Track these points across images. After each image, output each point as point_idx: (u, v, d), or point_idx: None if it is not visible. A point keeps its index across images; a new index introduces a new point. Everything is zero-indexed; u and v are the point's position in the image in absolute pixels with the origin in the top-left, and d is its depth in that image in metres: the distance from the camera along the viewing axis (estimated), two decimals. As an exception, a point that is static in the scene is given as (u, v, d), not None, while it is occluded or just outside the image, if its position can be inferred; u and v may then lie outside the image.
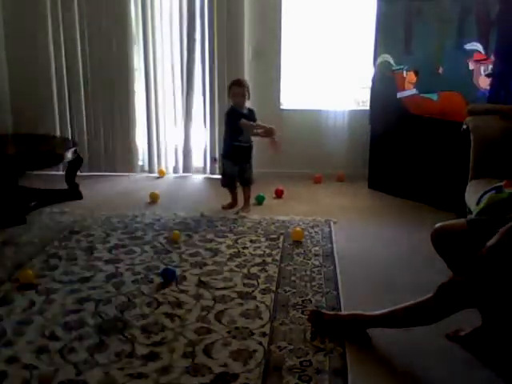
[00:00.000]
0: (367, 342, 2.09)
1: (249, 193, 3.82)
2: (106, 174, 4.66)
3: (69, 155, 3.83)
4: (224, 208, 3.78)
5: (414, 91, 3.84)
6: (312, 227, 3.40)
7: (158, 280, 2.62)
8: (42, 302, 2.38)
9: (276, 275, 2.69)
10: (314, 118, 4.58)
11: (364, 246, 3.14)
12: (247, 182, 3.80)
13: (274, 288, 2.54)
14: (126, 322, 2.23)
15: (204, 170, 4.67)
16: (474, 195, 2.54)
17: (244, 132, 3.63)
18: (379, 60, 4.00)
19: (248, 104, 4.52)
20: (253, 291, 2.51)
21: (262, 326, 2.19)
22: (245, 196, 3.80)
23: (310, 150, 4.60)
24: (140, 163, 4.79)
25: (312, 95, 4.69)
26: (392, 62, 3.93)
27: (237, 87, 3.60)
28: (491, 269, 1.73)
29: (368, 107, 4.30)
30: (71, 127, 4.63)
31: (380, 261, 2.92)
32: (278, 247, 3.06)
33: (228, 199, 3.83)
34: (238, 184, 3.82)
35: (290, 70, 4.61)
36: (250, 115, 3.66)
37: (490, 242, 1.69)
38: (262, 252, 2.99)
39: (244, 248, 3.04)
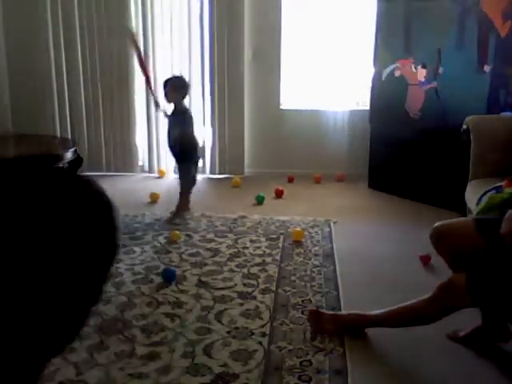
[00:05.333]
0: (366, 342, 2.09)
1: (181, 198, 3.54)
2: (106, 174, 4.67)
3: (69, 155, 3.83)
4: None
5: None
6: (312, 227, 3.40)
7: (158, 280, 2.62)
8: (41, 302, 2.38)
9: (276, 275, 2.69)
10: (314, 118, 4.58)
11: (364, 245, 3.14)
12: (179, 184, 3.58)
13: (274, 288, 2.54)
14: (126, 322, 2.23)
15: (203, 170, 4.68)
16: (474, 195, 2.54)
17: (171, 132, 3.49)
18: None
19: (247, 103, 4.55)
20: (253, 291, 2.51)
21: (262, 326, 2.19)
22: (178, 202, 3.56)
23: (310, 150, 4.60)
24: (140, 163, 4.79)
25: (312, 95, 4.69)
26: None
27: (165, 83, 3.47)
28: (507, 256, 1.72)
29: (368, 107, 4.30)
30: (71, 127, 4.64)
31: (380, 260, 2.92)
32: (278, 247, 3.06)
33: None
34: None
35: (290, 70, 4.61)
36: (175, 116, 3.47)
37: (504, 230, 1.68)
38: (262, 252, 2.99)
39: (244, 248, 3.04)
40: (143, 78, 3.77)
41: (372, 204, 3.98)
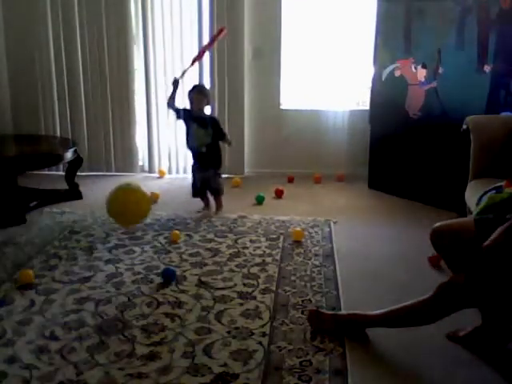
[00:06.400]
0: (366, 342, 2.09)
1: (220, 202, 3.72)
2: (106, 174, 4.67)
3: (69, 155, 3.83)
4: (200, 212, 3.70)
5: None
6: (312, 227, 3.40)
7: (158, 280, 2.62)
8: (41, 302, 2.38)
9: (276, 275, 2.69)
10: (314, 118, 4.58)
11: (364, 245, 3.14)
12: (215, 192, 3.70)
13: (274, 288, 2.54)
14: (126, 322, 2.23)
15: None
16: (474, 195, 2.54)
17: (194, 136, 3.52)
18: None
19: (247, 103, 4.56)
20: (253, 291, 2.51)
21: (262, 326, 2.19)
22: (216, 205, 3.73)
23: (310, 150, 4.61)
24: (140, 163, 4.79)
25: (312, 95, 4.69)
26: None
27: (197, 94, 3.49)
28: (489, 268, 1.73)
29: (368, 107, 4.30)
30: (71, 127, 4.64)
31: (380, 260, 2.92)
32: (278, 247, 3.06)
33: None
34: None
35: (290, 70, 4.61)
36: (206, 121, 3.51)
37: (487, 242, 1.69)
38: (262, 252, 2.99)
39: (244, 248, 3.04)
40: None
41: (372, 204, 3.98)
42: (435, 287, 1.89)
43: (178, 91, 3.56)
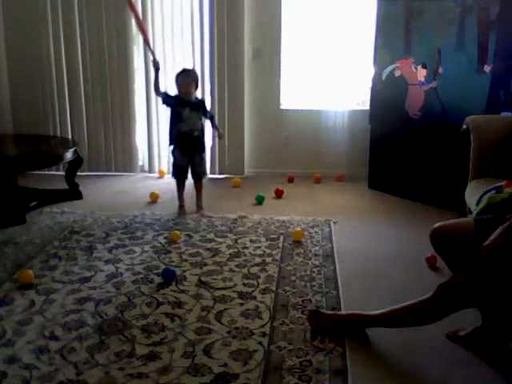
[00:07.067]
0: (366, 342, 2.09)
1: (201, 187, 3.72)
2: (106, 174, 4.67)
3: (69, 155, 3.83)
4: (180, 214, 3.63)
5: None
6: (312, 227, 3.40)
7: (158, 280, 2.62)
8: (42, 302, 2.38)
9: (276, 275, 2.69)
10: (314, 118, 4.58)
11: (364, 245, 3.14)
12: (198, 177, 3.68)
13: (273, 288, 2.54)
14: (126, 322, 2.23)
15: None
16: (474, 195, 2.54)
17: (187, 120, 3.49)
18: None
19: (247, 103, 4.56)
20: (253, 291, 2.51)
21: (262, 326, 2.19)
22: (197, 191, 3.70)
23: (310, 150, 4.61)
24: (140, 163, 4.79)
25: (312, 95, 4.69)
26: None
27: (184, 77, 3.47)
28: (489, 268, 1.73)
29: (368, 107, 4.30)
30: (71, 127, 4.64)
31: (380, 260, 2.92)
32: (278, 247, 3.06)
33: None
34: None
35: (290, 70, 4.61)
36: (197, 104, 3.53)
37: (487, 242, 1.69)
38: (262, 252, 2.99)
39: (244, 248, 3.04)
40: (143, 39, 3.73)
41: (372, 204, 3.98)
42: (435, 287, 1.89)
43: (160, 74, 3.53)
